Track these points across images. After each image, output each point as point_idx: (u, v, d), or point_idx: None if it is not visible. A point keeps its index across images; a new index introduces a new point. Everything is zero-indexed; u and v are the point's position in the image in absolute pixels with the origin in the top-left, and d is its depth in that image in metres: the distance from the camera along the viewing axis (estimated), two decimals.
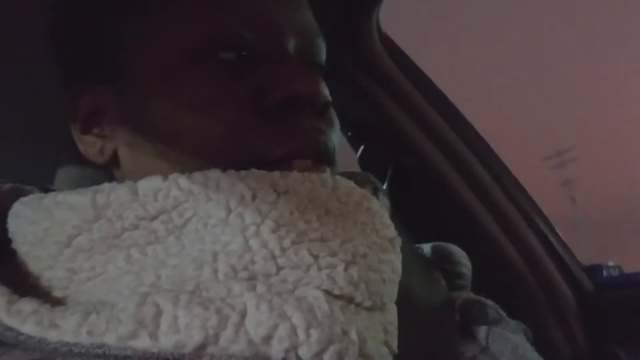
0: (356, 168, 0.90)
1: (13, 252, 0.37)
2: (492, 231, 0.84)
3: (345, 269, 0.33)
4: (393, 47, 0.86)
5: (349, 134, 0.90)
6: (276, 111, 0.38)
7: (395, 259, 0.38)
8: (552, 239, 0.86)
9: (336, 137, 0.42)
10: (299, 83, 0.38)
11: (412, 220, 0.90)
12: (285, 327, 0.29)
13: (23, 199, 0.39)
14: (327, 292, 0.31)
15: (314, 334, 0.29)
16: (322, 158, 0.39)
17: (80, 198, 0.36)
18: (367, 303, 0.33)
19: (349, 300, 0.32)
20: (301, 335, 0.29)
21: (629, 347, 0.77)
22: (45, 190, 0.43)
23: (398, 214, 0.87)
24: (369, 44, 0.83)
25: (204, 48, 0.39)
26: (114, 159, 0.43)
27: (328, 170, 0.40)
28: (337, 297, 0.32)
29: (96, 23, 0.43)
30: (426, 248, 0.54)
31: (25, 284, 0.35)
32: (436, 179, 0.86)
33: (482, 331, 0.41)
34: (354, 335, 0.30)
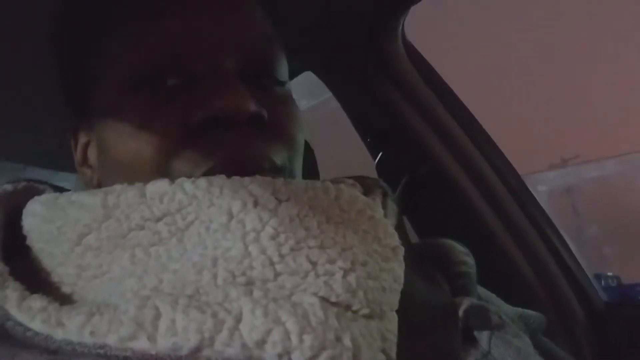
0: (374, 174, 0.90)
1: (27, 248, 0.39)
2: (504, 243, 0.84)
3: (344, 277, 0.33)
4: (416, 54, 0.87)
5: (368, 140, 0.90)
6: (201, 130, 0.39)
7: (398, 268, 0.38)
8: (564, 253, 0.86)
9: (280, 146, 0.42)
10: (217, 101, 0.39)
11: (424, 228, 0.91)
12: (278, 332, 0.30)
13: (39, 198, 0.41)
14: (324, 299, 0.32)
15: (307, 339, 0.29)
16: (252, 167, 0.39)
17: (91, 198, 0.38)
18: (365, 311, 0.33)
19: (346, 307, 0.33)
20: (294, 340, 0.29)
21: None
22: (57, 189, 0.46)
23: (411, 219, 0.88)
24: (393, 51, 0.84)
25: (140, 77, 0.41)
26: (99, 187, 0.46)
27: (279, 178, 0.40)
28: (333, 304, 0.32)
29: (76, 68, 0.47)
30: (424, 245, 0.54)
31: (37, 279, 0.37)
32: (452, 188, 0.86)
33: (484, 336, 0.41)
34: (347, 342, 0.30)
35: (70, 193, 0.40)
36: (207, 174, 0.39)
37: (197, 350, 0.29)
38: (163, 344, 0.30)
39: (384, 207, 0.46)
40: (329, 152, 0.93)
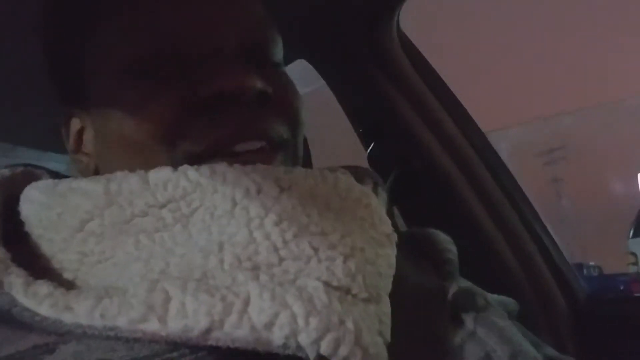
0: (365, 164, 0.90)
1: (25, 234, 0.39)
2: (493, 236, 0.85)
3: (344, 262, 0.35)
4: (410, 46, 0.87)
5: (361, 130, 0.91)
6: (205, 108, 0.40)
7: (391, 254, 0.40)
8: (550, 249, 0.87)
9: (285, 121, 0.43)
10: (223, 79, 0.40)
11: (414, 218, 0.91)
12: (286, 315, 0.31)
13: (37, 184, 0.41)
14: (326, 284, 0.33)
15: (313, 322, 0.31)
16: (260, 139, 0.41)
17: (93, 185, 0.38)
18: (364, 295, 0.34)
19: (347, 291, 0.34)
20: (301, 323, 0.31)
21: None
22: (53, 174, 0.46)
23: (401, 210, 0.89)
24: (388, 42, 0.84)
25: (142, 61, 0.41)
26: (97, 174, 0.46)
27: (280, 155, 0.42)
28: (335, 288, 0.33)
29: (68, 55, 0.46)
30: (411, 233, 0.56)
31: (37, 265, 0.37)
32: (442, 181, 0.87)
33: (470, 317, 0.43)
34: (350, 325, 0.31)
35: (69, 180, 0.41)
36: (213, 146, 0.39)
37: (207, 332, 0.31)
38: (173, 326, 0.31)
39: (376, 195, 0.47)
40: (321, 140, 0.93)
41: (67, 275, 0.37)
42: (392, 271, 0.39)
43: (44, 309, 0.32)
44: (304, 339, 0.30)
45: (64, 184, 0.40)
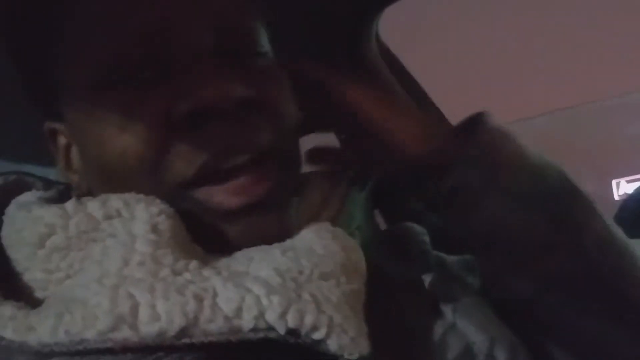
0: None
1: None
2: None
3: (282, 254, 0.37)
4: (389, 54, 0.88)
5: (342, 136, 0.91)
6: (186, 124, 0.37)
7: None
8: None
9: (270, 125, 0.40)
10: (202, 90, 0.37)
11: (395, 219, 0.92)
12: (250, 298, 0.32)
13: (18, 198, 0.40)
14: (275, 269, 0.35)
15: (275, 299, 0.33)
16: (242, 157, 0.39)
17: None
18: (316, 273, 0.36)
19: (299, 272, 0.36)
20: (265, 302, 0.32)
21: None
22: (47, 182, 0.45)
23: (382, 210, 0.89)
24: (367, 52, 0.85)
25: (110, 74, 0.38)
26: (90, 194, 0.43)
27: (271, 164, 0.40)
28: (285, 271, 0.35)
29: (39, 69, 0.43)
30: (390, 230, 0.59)
31: (11, 283, 0.36)
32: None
33: (449, 308, 0.45)
34: (307, 296, 0.34)
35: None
36: (201, 169, 0.38)
37: (183, 331, 0.31)
38: (146, 331, 0.31)
39: (345, 197, 0.52)
40: (304, 147, 0.93)
41: (38, 294, 0.36)
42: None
43: (8, 333, 0.31)
44: (271, 316, 0.32)
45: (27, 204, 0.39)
